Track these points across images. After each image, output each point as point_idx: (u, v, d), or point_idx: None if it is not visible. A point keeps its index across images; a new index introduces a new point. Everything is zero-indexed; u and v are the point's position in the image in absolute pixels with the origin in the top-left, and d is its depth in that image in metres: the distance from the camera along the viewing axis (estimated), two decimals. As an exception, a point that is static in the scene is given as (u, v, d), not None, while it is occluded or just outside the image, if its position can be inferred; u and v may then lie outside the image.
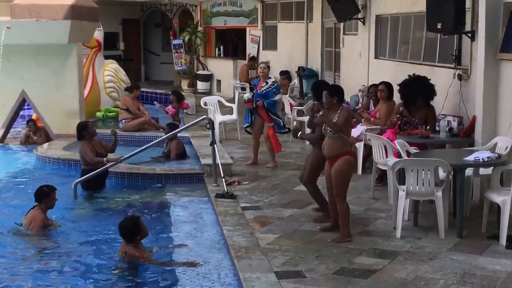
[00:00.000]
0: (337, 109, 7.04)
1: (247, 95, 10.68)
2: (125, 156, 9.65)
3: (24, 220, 7.83)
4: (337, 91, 7.19)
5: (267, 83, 10.61)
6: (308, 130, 10.49)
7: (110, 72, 16.82)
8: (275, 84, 10.71)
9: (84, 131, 9.72)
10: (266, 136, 10.70)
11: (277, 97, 10.63)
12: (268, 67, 11.07)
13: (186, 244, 7.20)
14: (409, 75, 9.48)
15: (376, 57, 12.62)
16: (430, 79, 9.26)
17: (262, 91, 10.53)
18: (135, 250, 6.61)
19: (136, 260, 6.57)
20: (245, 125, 11.00)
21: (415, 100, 9.04)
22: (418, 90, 9.06)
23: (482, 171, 7.61)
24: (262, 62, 11.19)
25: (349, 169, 7.03)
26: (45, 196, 7.90)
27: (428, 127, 8.77)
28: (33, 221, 7.71)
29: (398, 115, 9.08)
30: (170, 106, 14.64)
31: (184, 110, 15.42)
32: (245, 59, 20.03)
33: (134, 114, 13.89)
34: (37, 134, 13.20)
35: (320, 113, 7.12)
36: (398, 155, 8.02)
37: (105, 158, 9.53)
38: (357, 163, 7.24)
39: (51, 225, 7.90)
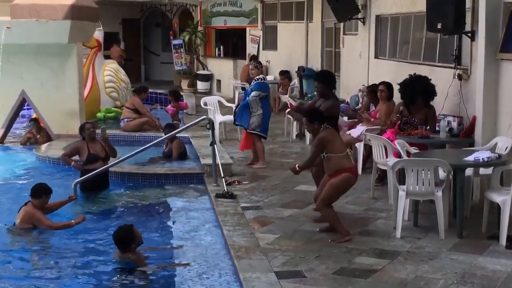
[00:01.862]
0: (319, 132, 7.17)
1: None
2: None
3: (17, 218, 7.86)
4: (315, 116, 7.27)
5: (255, 81, 10.69)
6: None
7: (110, 72, 16.83)
8: (255, 82, 10.61)
9: (81, 131, 9.76)
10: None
11: (252, 94, 10.47)
12: (258, 67, 10.97)
13: (185, 245, 7.20)
14: (409, 75, 9.48)
15: (376, 57, 12.62)
16: (430, 79, 9.26)
17: (248, 90, 10.73)
18: (138, 257, 6.61)
19: (137, 265, 6.57)
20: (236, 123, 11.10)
21: (415, 100, 9.04)
22: (418, 90, 9.05)
23: (482, 171, 7.61)
24: (251, 63, 11.24)
25: (343, 186, 7.10)
26: (43, 192, 7.96)
27: (428, 127, 8.77)
28: (31, 218, 7.75)
29: (398, 115, 9.08)
30: (170, 106, 14.67)
31: (184, 111, 15.43)
32: (245, 59, 20.03)
33: (145, 115, 14.03)
34: (39, 134, 13.20)
35: (297, 165, 7.38)
36: (398, 155, 8.02)
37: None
38: (356, 177, 7.25)
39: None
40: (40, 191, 7.98)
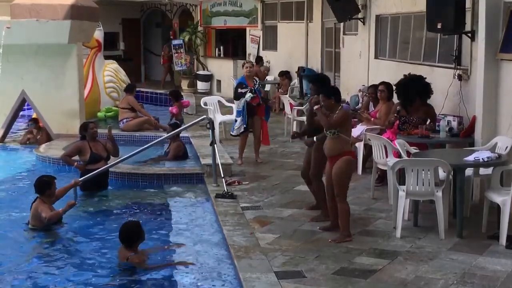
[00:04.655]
0: (337, 110, 7.05)
1: (249, 94, 10.67)
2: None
3: (30, 217, 7.85)
4: (333, 92, 7.19)
5: (256, 80, 10.91)
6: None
7: (110, 72, 16.84)
8: (258, 81, 11.09)
9: (84, 131, 9.75)
10: (259, 134, 10.89)
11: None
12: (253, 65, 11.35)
13: (185, 244, 7.20)
14: (404, 75, 9.52)
15: (376, 57, 12.62)
16: (425, 78, 9.27)
17: (257, 88, 10.83)
18: (137, 257, 6.60)
19: (136, 266, 6.57)
20: (245, 126, 10.84)
21: (412, 100, 9.06)
22: (414, 90, 9.07)
23: (482, 171, 7.61)
24: (247, 62, 11.39)
25: (348, 169, 7.02)
26: (46, 186, 7.90)
27: (429, 122, 8.75)
28: (42, 212, 7.68)
29: (395, 114, 9.10)
30: (171, 107, 14.66)
31: (184, 110, 15.43)
32: (245, 59, 19.98)
33: (141, 113, 14.11)
34: (39, 134, 13.22)
35: (317, 106, 7.17)
36: (398, 155, 8.02)
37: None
38: (357, 162, 7.22)
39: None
40: (40, 187, 7.93)
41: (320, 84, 7.89)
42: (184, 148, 11.56)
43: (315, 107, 7.23)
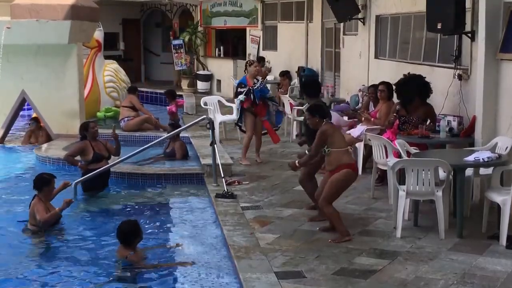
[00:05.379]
0: (321, 126, 7.19)
1: (242, 96, 10.72)
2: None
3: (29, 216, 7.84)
4: (317, 110, 7.27)
5: (257, 79, 10.90)
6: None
7: (110, 72, 16.85)
8: (260, 79, 11.07)
9: (85, 130, 9.75)
10: (260, 134, 10.98)
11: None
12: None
13: (185, 244, 7.20)
14: (404, 75, 9.52)
15: (376, 57, 12.62)
16: (425, 77, 9.27)
17: (258, 87, 10.79)
18: (135, 255, 6.60)
19: (135, 265, 6.57)
20: (238, 124, 11.17)
21: (412, 99, 9.06)
22: (414, 89, 9.08)
23: (482, 171, 7.60)
24: (254, 61, 11.45)
25: (344, 180, 7.05)
26: (45, 183, 7.88)
27: (428, 122, 8.75)
28: (37, 213, 7.67)
29: (395, 114, 9.10)
30: (169, 106, 14.68)
31: (184, 110, 15.45)
32: (245, 59, 19.99)
33: (141, 111, 14.23)
34: (39, 134, 13.23)
35: (297, 161, 7.41)
36: (398, 155, 8.02)
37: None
38: (356, 174, 7.25)
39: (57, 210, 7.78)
40: (38, 183, 7.91)
41: (313, 91, 8.14)
42: (186, 147, 11.60)
43: (296, 162, 7.41)
